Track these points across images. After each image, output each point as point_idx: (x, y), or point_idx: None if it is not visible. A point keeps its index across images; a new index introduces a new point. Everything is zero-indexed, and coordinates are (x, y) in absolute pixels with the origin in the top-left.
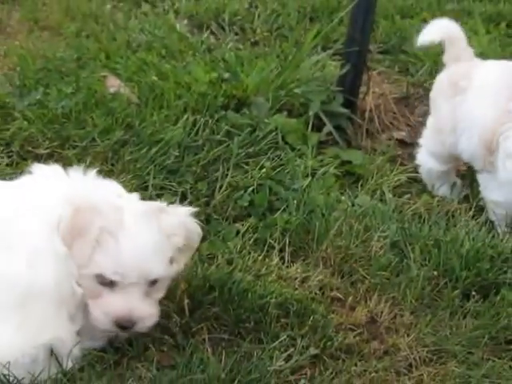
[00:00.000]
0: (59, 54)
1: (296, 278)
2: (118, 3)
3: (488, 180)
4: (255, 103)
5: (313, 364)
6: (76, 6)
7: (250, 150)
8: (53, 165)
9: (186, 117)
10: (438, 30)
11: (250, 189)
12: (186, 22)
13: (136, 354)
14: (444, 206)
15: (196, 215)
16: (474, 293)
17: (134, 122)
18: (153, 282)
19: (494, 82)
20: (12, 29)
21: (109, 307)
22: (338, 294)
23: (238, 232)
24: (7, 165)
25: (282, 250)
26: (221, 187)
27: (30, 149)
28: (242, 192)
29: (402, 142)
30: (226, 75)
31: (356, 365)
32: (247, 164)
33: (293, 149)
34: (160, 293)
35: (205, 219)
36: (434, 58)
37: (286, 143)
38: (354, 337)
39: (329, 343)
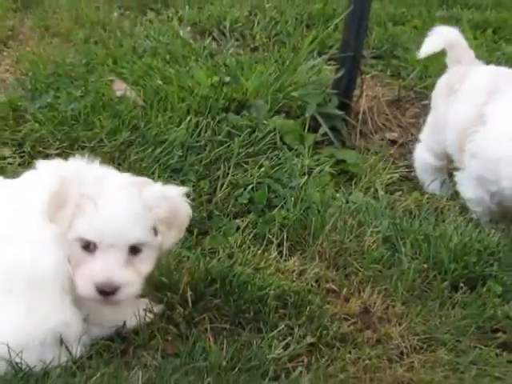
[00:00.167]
0: (69, 59)
1: (293, 271)
2: (124, 11)
3: (461, 178)
4: (255, 105)
5: (309, 352)
6: (85, 14)
7: (250, 149)
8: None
9: (188, 118)
10: (438, 39)
11: (250, 187)
12: (189, 28)
13: (142, 342)
14: (433, 203)
15: (197, 209)
16: (461, 284)
17: (139, 124)
18: (135, 251)
19: (478, 86)
20: (24, 36)
21: (90, 272)
22: (333, 286)
23: (238, 228)
24: (19, 164)
25: (280, 245)
26: (222, 185)
27: (40, 149)
28: (242, 190)
29: (393, 142)
30: (227, 79)
31: (350, 353)
32: (247, 163)
33: (290, 149)
34: (145, 265)
35: (207, 215)
36: (425, 63)
37: (284, 143)
38: (349, 326)
39: (324, 332)
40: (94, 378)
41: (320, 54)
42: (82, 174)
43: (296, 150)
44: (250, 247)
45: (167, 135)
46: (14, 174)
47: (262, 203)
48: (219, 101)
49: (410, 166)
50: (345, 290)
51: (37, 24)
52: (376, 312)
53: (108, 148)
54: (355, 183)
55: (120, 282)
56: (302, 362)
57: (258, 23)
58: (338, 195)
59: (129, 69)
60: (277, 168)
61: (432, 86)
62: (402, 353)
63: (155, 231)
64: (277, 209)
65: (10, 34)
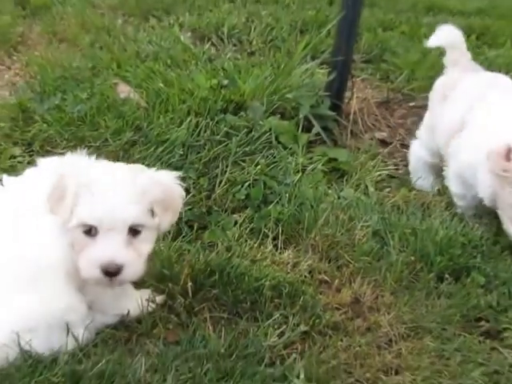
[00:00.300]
0: (75, 63)
1: (288, 263)
2: (128, 18)
3: (448, 173)
4: (251, 107)
5: (303, 340)
6: (90, 21)
7: (247, 148)
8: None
9: (189, 119)
10: (443, 36)
11: (247, 183)
12: (189, 34)
13: (144, 331)
14: (420, 199)
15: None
16: (447, 276)
17: (142, 124)
18: (134, 232)
19: (466, 92)
20: (33, 41)
21: (93, 255)
22: (326, 277)
23: (235, 222)
24: (28, 163)
25: (275, 238)
26: (220, 182)
27: (49, 148)
28: (240, 186)
29: (382, 142)
30: (225, 82)
31: (342, 340)
32: (244, 161)
33: (285, 148)
34: (145, 246)
35: (206, 211)
36: (412, 67)
37: (279, 143)
38: (340, 315)
39: (317, 321)
40: (100, 364)
41: (313, 59)
42: (78, 166)
43: (290, 148)
44: (246, 241)
45: (169, 135)
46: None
47: (258, 199)
48: (218, 102)
49: (398, 164)
50: (336, 281)
51: (45, 30)
52: (366, 302)
53: (113, 147)
54: (346, 180)
55: (122, 262)
56: (296, 349)
57: (255, 29)
58: (330, 191)
59: (132, 72)
60: (272, 166)
61: (419, 89)
62: (390, 340)
63: (152, 213)
64: (272, 204)
65: (19, 39)
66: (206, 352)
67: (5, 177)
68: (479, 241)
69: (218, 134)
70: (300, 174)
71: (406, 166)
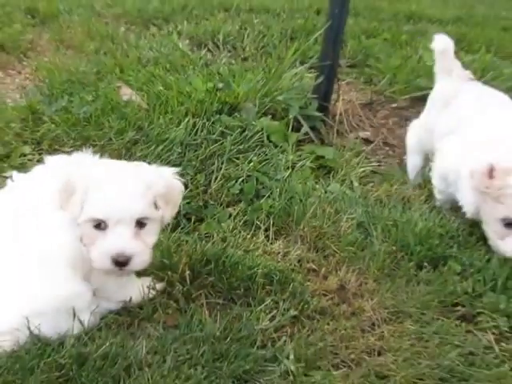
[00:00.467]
0: (81, 68)
1: (278, 253)
2: (130, 26)
3: (433, 167)
4: (245, 108)
5: (292, 323)
6: (95, 29)
7: (241, 147)
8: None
9: (187, 120)
10: (437, 44)
11: (241, 179)
12: (187, 41)
13: (145, 316)
14: (401, 193)
15: (194, 199)
16: (426, 264)
17: (143, 125)
18: (141, 225)
19: (467, 104)
20: (42, 47)
21: (104, 246)
22: (313, 266)
23: (230, 215)
24: (38, 160)
25: (266, 230)
26: (216, 178)
27: (56, 147)
28: (234, 182)
29: (366, 140)
30: (221, 85)
31: (328, 324)
32: (238, 159)
33: (276, 146)
34: (151, 237)
35: (203, 204)
36: (393, 71)
37: (270, 141)
38: (327, 301)
39: (306, 306)
40: (104, 347)
41: (302, 63)
42: (85, 164)
43: (281, 147)
44: (240, 232)
45: (168, 134)
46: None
47: (251, 194)
48: (213, 104)
49: (380, 161)
50: (323, 269)
51: (53, 37)
52: (351, 288)
53: (116, 146)
54: (333, 176)
55: (132, 252)
56: (286, 332)
57: (248, 36)
58: (317, 186)
59: (134, 76)
60: (264, 163)
61: (400, 92)
62: (373, 324)
63: (156, 206)
64: (264, 198)
65: (29, 46)
66: (202, 335)
67: (15, 173)
68: (456, 232)
69: (213, 134)
70: (290, 170)
71: (388, 162)
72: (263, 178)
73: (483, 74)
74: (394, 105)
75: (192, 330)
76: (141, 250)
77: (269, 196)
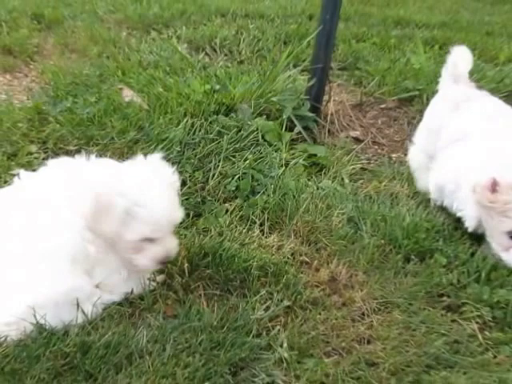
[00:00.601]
0: (85, 71)
1: (273, 246)
2: (131, 31)
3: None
4: (240, 109)
5: (286, 313)
6: (98, 34)
7: (237, 145)
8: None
9: (185, 120)
10: (458, 54)
11: (237, 176)
12: (185, 45)
13: (146, 306)
14: (389, 190)
15: (192, 196)
16: (413, 257)
17: (144, 125)
18: None
19: (481, 113)
20: (47, 51)
21: (154, 255)
22: (306, 259)
23: (227, 210)
24: (43, 159)
25: (261, 225)
26: (213, 175)
27: (61, 146)
28: (230, 179)
29: (356, 139)
30: (218, 87)
31: (320, 314)
32: (234, 157)
33: (270, 145)
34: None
35: (201, 200)
36: (382, 74)
37: (265, 140)
38: (319, 292)
39: (299, 297)
40: (106, 336)
41: (295, 66)
42: (111, 181)
43: (275, 145)
44: (236, 227)
45: (168, 134)
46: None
47: (246, 190)
48: (211, 105)
49: (370, 159)
50: (315, 261)
51: (58, 42)
52: (341, 280)
53: (118, 145)
54: (324, 173)
55: (174, 252)
56: (280, 321)
57: (244, 41)
58: (310, 183)
59: (135, 79)
60: (259, 161)
61: (388, 93)
62: (363, 314)
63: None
64: (259, 195)
65: (35, 50)
66: (200, 324)
67: (22, 171)
68: (441, 226)
69: (211, 133)
70: (283, 167)
71: (377, 160)
72: (258, 175)
73: (468, 76)
74: (383, 105)
75: (190, 320)
76: (177, 246)
77: (263, 192)
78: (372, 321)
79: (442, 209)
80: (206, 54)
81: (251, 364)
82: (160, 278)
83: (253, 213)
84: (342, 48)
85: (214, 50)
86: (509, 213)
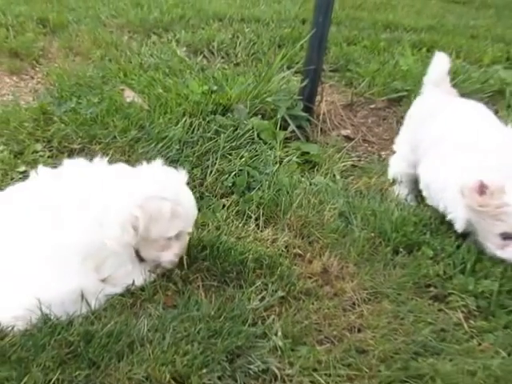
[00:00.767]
0: (88, 73)
1: (268, 240)
2: (133, 35)
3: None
4: (237, 109)
5: (280, 303)
6: (101, 37)
7: (233, 144)
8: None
9: (184, 119)
10: (438, 61)
11: (233, 173)
12: (184, 48)
13: (147, 297)
14: (379, 185)
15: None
16: (401, 249)
17: (145, 124)
18: None
19: (454, 117)
20: (52, 54)
21: (178, 250)
22: (299, 251)
23: (224, 205)
24: (48, 157)
25: (257, 219)
26: (211, 172)
27: (66, 144)
28: (227, 176)
29: (347, 138)
30: (215, 88)
31: (313, 304)
32: (231, 155)
33: (265, 143)
34: None
35: (199, 196)
36: (372, 75)
37: (260, 139)
38: (311, 283)
39: (292, 288)
40: (109, 325)
41: (289, 68)
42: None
43: (270, 144)
44: (233, 221)
45: (167, 133)
46: (45, 165)
47: (242, 186)
48: (208, 105)
49: (360, 156)
50: (308, 254)
51: (62, 45)
52: (333, 271)
53: (120, 143)
54: (317, 170)
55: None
56: (275, 311)
57: (240, 44)
58: (303, 179)
59: (136, 80)
60: (254, 158)
61: (378, 94)
62: (353, 304)
63: None
64: (254, 190)
65: (41, 53)
66: (198, 314)
67: (40, 166)
68: (428, 220)
69: (208, 132)
70: (278, 165)
71: (367, 157)
72: (254, 172)
73: (454, 77)
74: (373, 105)
75: (189, 310)
76: None
77: (259, 188)
78: (362, 310)
79: (428, 204)
80: (204, 56)
81: (247, 352)
82: (160, 270)
83: (248, 208)
84: (334, 51)
85: (212, 53)
86: (501, 216)
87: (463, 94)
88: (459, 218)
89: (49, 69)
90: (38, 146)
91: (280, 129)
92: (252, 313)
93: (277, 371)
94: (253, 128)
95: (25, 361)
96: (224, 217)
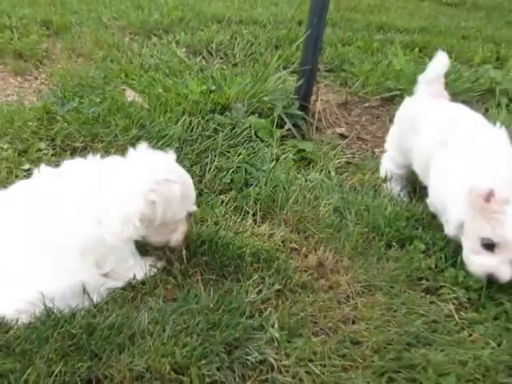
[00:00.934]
0: (90, 73)
1: (265, 234)
2: (134, 36)
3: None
4: (235, 108)
5: (277, 296)
6: (103, 39)
7: (231, 142)
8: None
9: (184, 118)
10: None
11: (231, 170)
12: (184, 49)
13: (147, 290)
14: (372, 182)
15: None
16: (394, 243)
17: (145, 123)
18: None
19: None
20: (56, 56)
21: (184, 230)
22: (295, 246)
23: (222, 201)
24: (52, 155)
25: (254, 214)
26: (210, 169)
27: (69, 143)
28: (225, 172)
29: (342, 136)
30: (214, 87)
31: (309, 296)
32: (229, 152)
33: (262, 141)
34: None
35: (198, 193)
36: (366, 75)
37: (257, 137)
38: (307, 276)
39: (289, 281)
40: (111, 318)
41: (285, 68)
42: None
43: (267, 141)
44: (231, 216)
45: (167, 131)
46: (48, 163)
47: (240, 183)
48: (207, 104)
49: (354, 153)
50: (304, 248)
51: (65, 47)
52: (328, 265)
53: (121, 142)
54: (312, 166)
55: None
56: (271, 304)
57: (238, 45)
58: (299, 176)
59: (137, 80)
60: (252, 156)
61: (371, 93)
62: (348, 296)
63: None
64: (252, 187)
65: (44, 54)
66: (197, 307)
67: (43, 166)
68: (420, 215)
69: (207, 130)
70: (274, 162)
71: (361, 154)
72: (251, 169)
73: (445, 76)
74: (367, 104)
75: (188, 303)
76: None
77: (256, 185)
78: (356, 303)
79: (422, 199)
80: (203, 57)
81: (245, 343)
82: (160, 264)
83: (246, 204)
84: (329, 51)
85: (211, 54)
86: (492, 221)
87: (454, 93)
88: (453, 219)
89: (52, 70)
90: (42, 145)
91: (277, 127)
92: (249, 305)
93: (273, 362)
94: (250, 126)
95: (28, 353)
96: (222, 212)
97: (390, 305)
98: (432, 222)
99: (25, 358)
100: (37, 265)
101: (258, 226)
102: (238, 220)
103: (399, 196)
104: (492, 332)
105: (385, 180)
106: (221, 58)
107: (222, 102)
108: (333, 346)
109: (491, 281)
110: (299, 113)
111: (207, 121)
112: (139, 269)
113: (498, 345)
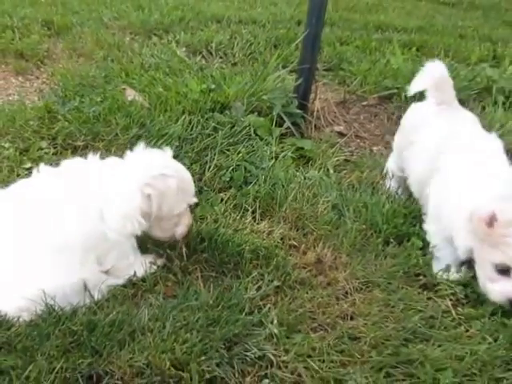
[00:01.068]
0: (91, 73)
1: (264, 232)
2: (134, 36)
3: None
4: (234, 107)
5: (276, 293)
6: (104, 39)
7: (231, 140)
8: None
9: (183, 117)
10: (428, 76)
11: (231, 168)
12: (184, 49)
13: (148, 287)
14: (370, 179)
15: None
16: (392, 240)
17: (146, 122)
18: None
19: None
20: (57, 55)
21: (187, 222)
22: (294, 243)
23: (222, 199)
24: (53, 154)
25: (253, 212)
26: (209, 167)
27: (70, 142)
28: (225, 171)
29: (340, 134)
30: (213, 86)
31: (307, 293)
32: (228, 150)
33: (261, 139)
34: None
35: (198, 190)
36: (364, 74)
37: (257, 135)
38: (306, 273)
39: (287, 278)
40: (111, 315)
41: (284, 67)
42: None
43: (266, 140)
44: (230, 214)
45: (167, 130)
46: (49, 161)
47: (240, 181)
48: (207, 103)
49: (352, 151)
50: (303, 245)
51: (66, 46)
52: (327, 262)
53: (122, 140)
54: (311, 164)
55: None
56: (270, 300)
57: (237, 45)
58: (297, 174)
59: (137, 80)
60: (251, 154)
61: (369, 91)
62: (346, 292)
63: None
64: (251, 185)
65: (45, 54)
66: (197, 304)
67: (42, 165)
68: (418, 212)
69: (207, 129)
70: (273, 160)
71: (359, 152)
72: (250, 167)
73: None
74: (365, 103)
75: (188, 300)
76: None
77: (255, 182)
78: (354, 299)
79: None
80: (203, 56)
81: (244, 339)
82: (160, 261)
83: (245, 201)
84: (327, 50)
85: (210, 53)
86: (501, 246)
87: None
88: (461, 246)
89: (53, 69)
90: (43, 144)
91: (276, 125)
92: (249, 302)
93: (272, 358)
94: (249, 125)
95: (30, 350)
96: (222, 210)
97: (388, 301)
98: None
99: (26, 354)
100: (38, 263)
101: (258, 224)
102: (238, 217)
103: (397, 193)
104: (489, 327)
105: (384, 176)
106: (220, 58)
107: (222, 101)
108: (331, 341)
109: None
110: (298, 111)
111: (207, 119)
112: (139, 266)
113: (495, 340)
